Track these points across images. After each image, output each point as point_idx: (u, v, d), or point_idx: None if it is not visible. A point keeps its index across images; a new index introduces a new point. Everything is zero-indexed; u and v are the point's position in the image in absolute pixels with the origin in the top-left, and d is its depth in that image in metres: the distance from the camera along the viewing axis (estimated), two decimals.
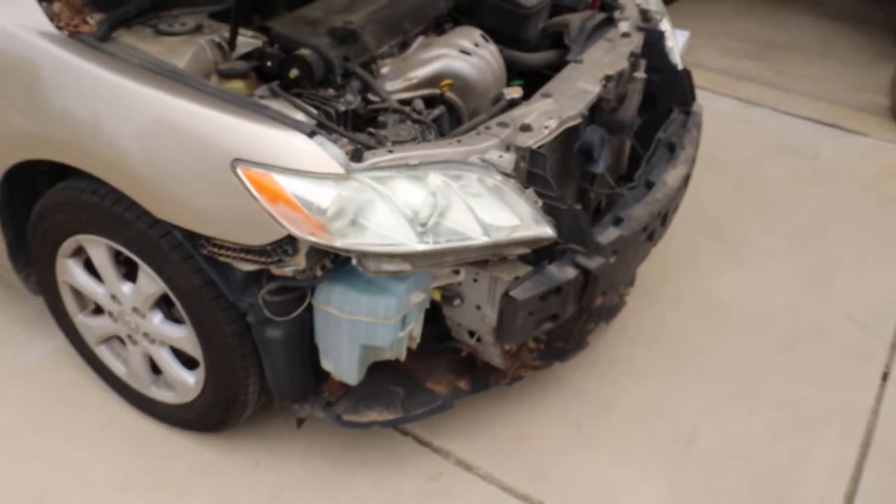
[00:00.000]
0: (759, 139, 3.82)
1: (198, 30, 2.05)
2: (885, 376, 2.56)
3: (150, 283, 1.95)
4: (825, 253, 3.08)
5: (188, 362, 2.09)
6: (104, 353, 2.28)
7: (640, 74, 2.32)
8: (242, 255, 1.74)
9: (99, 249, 2.02)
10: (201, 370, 2.03)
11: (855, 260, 3.06)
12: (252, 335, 1.88)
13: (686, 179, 2.32)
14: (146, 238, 1.86)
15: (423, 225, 1.68)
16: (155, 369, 2.19)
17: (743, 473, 2.23)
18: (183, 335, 2.00)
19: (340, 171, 1.65)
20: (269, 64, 1.99)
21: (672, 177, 2.22)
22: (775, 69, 4.52)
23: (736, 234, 3.15)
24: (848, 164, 3.67)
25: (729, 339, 2.66)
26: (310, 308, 1.85)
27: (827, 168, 3.64)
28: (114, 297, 2.09)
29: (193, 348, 2.00)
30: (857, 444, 2.33)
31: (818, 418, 2.40)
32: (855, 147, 3.83)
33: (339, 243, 1.65)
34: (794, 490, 2.20)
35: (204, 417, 2.15)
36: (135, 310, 2.06)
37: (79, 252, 2.10)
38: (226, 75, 1.92)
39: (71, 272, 2.13)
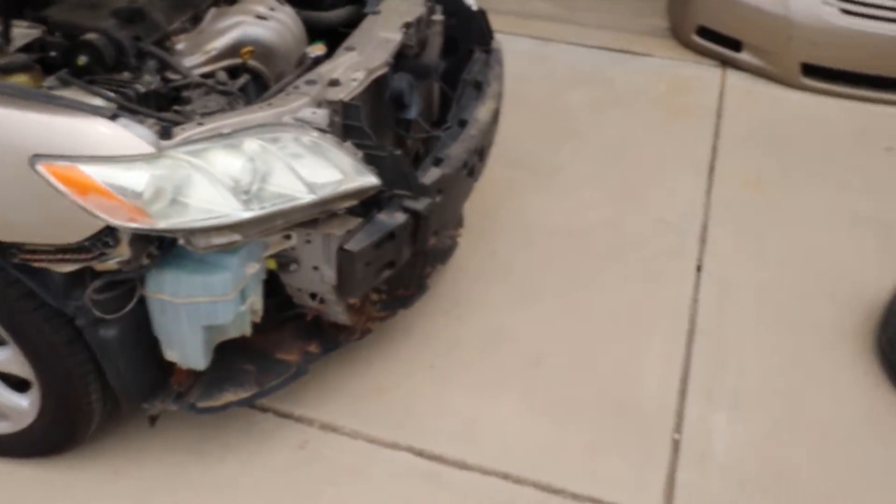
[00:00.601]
0: (557, 72, 4.02)
1: None
2: (698, 268, 2.81)
3: None
4: (631, 169, 3.31)
5: (18, 385, 1.95)
6: None
7: (438, 17, 2.37)
8: (59, 256, 1.65)
9: None
10: (35, 390, 1.91)
11: (658, 170, 3.30)
12: (85, 340, 1.78)
13: (496, 114, 2.41)
14: None
15: (247, 192, 1.65)
16: None
17: (591, 381, 2.38)
18: (7, 356, 1.87)
19: (151, 150, 1.59)
20: (53, 54, 1.89)
21: (483, 113, 2.30)
22: (564, 6, 4.73)
23: (548, 163, 3.31)
24: (640, 85, 3.94)
25: (558, 261, 2.81)
26: (143, 300, 1.79)
27: (622, 91, 3.89)
28: None
29: (21, 368, 1.88)
30: (684, 332, 2.55)
31: (648, 316, 2.61)
32: (644, 68, 4.11)
33: (161, 225, 1.60)
34: (636, 385, 2.38)
35: (47, 440, 2.03)
36: None
37: None
38: (6, 70, 1.79)
39: None
